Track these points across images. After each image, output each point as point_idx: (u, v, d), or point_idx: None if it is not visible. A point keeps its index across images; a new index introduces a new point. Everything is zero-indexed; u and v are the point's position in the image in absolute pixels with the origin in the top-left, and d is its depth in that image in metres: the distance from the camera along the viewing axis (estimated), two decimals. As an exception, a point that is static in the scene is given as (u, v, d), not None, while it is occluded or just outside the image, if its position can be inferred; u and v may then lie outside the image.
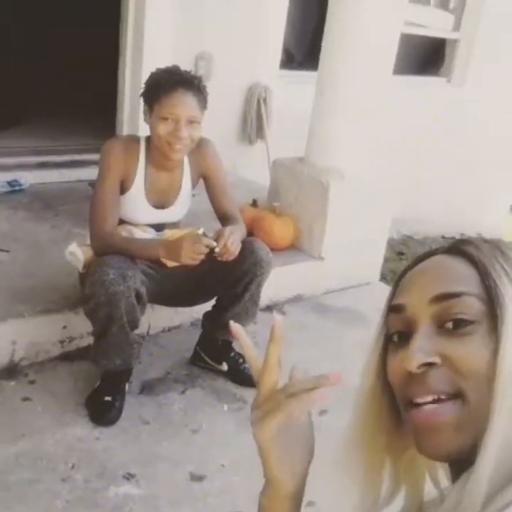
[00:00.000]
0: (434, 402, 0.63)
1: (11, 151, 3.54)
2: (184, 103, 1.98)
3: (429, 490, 0.78)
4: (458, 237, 5.24)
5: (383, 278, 3.46)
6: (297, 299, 3.03)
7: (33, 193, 3.33)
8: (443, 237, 5.19)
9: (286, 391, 0.68)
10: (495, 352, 0.61)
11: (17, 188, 3.31)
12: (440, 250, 0.71)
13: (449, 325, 0.63)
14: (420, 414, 0.64)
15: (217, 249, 1.96)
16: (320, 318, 2.92)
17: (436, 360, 0.62)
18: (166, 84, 1.98)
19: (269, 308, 2.86)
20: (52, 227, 2.95)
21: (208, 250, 1.94)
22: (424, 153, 4.83)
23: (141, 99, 2.07)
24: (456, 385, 0.62)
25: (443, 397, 0.62)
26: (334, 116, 3.08)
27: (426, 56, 5.31)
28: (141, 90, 2.07)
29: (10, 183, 3.30)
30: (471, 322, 0.62)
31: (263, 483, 0.73)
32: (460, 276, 0.65)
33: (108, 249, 2.00)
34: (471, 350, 0.62)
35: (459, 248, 0.69)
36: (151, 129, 2.04)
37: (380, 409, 0.72)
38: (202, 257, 1.94)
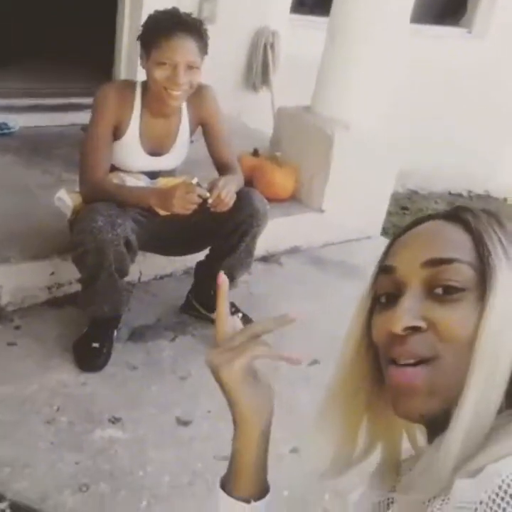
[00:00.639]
0: (412, 364, 0.63)
1: (1, 92, 3.42)
2: (183, 48, 1.91)
3: (407, 446, 0.79)
4: (465, 193, 5.17)
5: (385, 232, 3.40)
6: (294, 251, 3.00)
7: (23, 137, 3.26)
8: (450, 194, 5.10)
9: (245, 333, 0.73)
10: (479, 320, 0.61)
11: (6, 131, 3.23)
12: (438, 215, 0.71)
13: (439, 290, 0.64)
14: (397, 374, 0.65)
15: (210, 200, 1.92)
16: (317, 271, 2.89)
17: (422, 324, 0.63)
18: (165, 28, 1.91)
19: (264, 259, 2.83)
20: (43, 172, 2.91)
21: (200, 200, 1.91)
22: (437, 107, 4.69)
23: (139, 43, 2.01)
24: (435, 350, 0.62)
25: (422, 361, 0.63)
26: (345, 65, 2.97)
27: (446, 4, 5.10)
28: (139, 33, 2.00)
29: (-2, 126, 3.24)
30: (461, 289, 0.63)
31: (234, 430, 0.76)
32: (454, 242, 0.65)
33: (98, 195, 1.97)
34: (457, 318, 0.62)
35: (456, 215, 0.68)
36: (148, 74, 1.98)
37: (363, 367, 0.73)
38: (194, 206, 1.91)
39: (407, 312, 0.63)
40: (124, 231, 1.90)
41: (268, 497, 0.78)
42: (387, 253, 0.72)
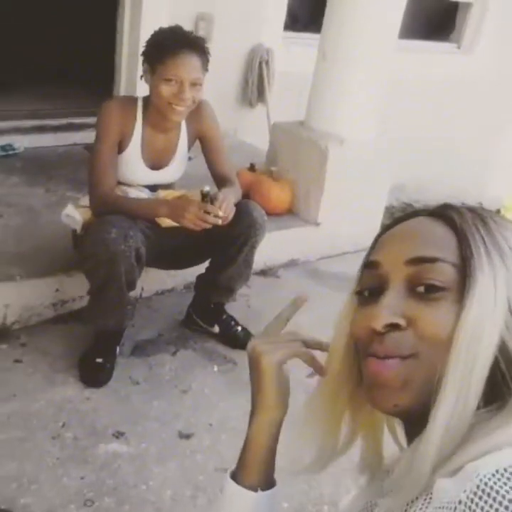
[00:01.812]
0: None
1: (6, 114, 3.49)
2: (188, 65, 1.97)
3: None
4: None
5: (381, 244, 3.43)
6: (292, 264, 3.04)
7: (27, 157, 3.31)
8: (444, 206, 5.14)
9: (293, 335, 0.81)
10: (457, 321, 0.61)
11: (11, 152, 3.29)
12: (423, 212, 0.71)
13: (421, 289, 0.63)
14: (372, 366, 0.65)
15: (217, 211, 1.95)
16: (314, 284, 2.93)
17: (402, 322, 0.63)
18: (171, 45, 1.96)
19: (263, 273, 2.87)
20: (47, 191, 2.95)
21: (209, 221, 1.93)
22: (429, 120, 4.75)
23: (142, 58, 2.05)
24: (413, 348, 0.63)
25: (398, 357, 0.64)
26: (336, 80, 3.03)
27: (436, 20, 5.18)
28: (143, 49, 2.04)
29: (3, 148, 3.28)
30: (443, 289, 0.62)
31: (251, 418, 0.80)
32: (438, 241, 0.65)
33: (108, 208, 2.01)
34: (437, 317, 0.62)
35: (442, 212, 0.68)
36: (153, 89, 2.03)
37: (351, 363, 0.73)
38: (205, 225, 1.93)
39: (388, 309, 0.63)
40: (136, 243, 1.94)
41: (275, 489, 0.80)
42: (372, 248, 0.72)
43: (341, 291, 2.82)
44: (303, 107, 3.21)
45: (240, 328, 2.39)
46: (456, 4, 5.03)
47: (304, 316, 2.81)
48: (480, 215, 0.66)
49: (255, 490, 0.78)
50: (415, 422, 0.64)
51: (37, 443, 1.81)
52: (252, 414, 0.80)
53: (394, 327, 0.63)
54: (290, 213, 3.10)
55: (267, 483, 0.80)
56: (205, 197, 2.00)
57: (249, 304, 2.62)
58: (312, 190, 3.07)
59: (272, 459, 0.81)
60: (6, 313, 2.20)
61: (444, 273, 0.63)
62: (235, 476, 0.80)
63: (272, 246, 2.57)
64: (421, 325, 0.62)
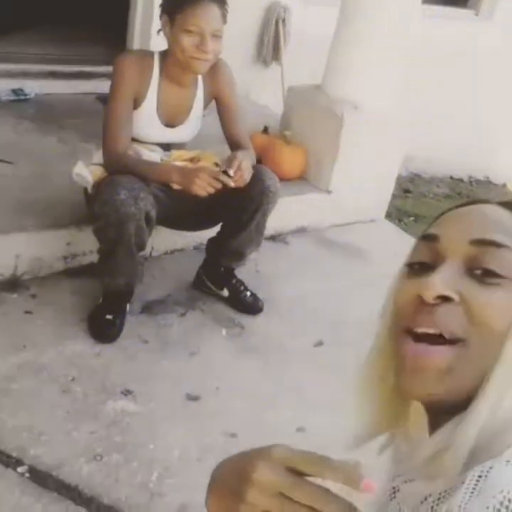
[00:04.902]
0: (432, 339, 0.60)
1: (18, 57, 3.39)
2: (209, 15, 1.93)
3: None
4: (466, 179, 5.19)
5: (388, 216, 3.44)
6: (301, 231, 3.02)
7: (39, 103, 3.23)
8: (451, 178, 5.12)
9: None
10: None
11: (22, 97, 3.21)
12: (493, 200, 0.69)
13: (478, 272, 0.61)
14: (411, 349, 0.62)
15: (231, 172, 1.93)
16: (322, 252, 2.92)
17: (456, 297, 0.60)
18: None
19: (272, 238, 2.85)
20: (59, 141, 2.88)
21: (220, 186, 1.93)
22: (443, 89, 4.68)
23: (160, 10, 2.00)
24: (463, 329, 0.60)
25: (446, 335, 0.60)
26: (357, 45, 2.95)
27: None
28: (161, 1, 1.99)
29: (15, 92, 3.20)
30: (501, 276, 0.60)
31: None
32: (509, 229, 0.63)
33: (120, 168, 1.97)
34: (491, 301, 0.60)
35: None
36: (173, 42, 1.98)
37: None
38: (212, 190, 1.93)
39: (443, 280, 0.60)
40: (146, 205, 1.91)
41: None
42: (433, 223, 0.69)
43: (350, 262, 2.84)
44: (318, 70, 3.14)
45: (248, 293, 2.39)
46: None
47: (313, 284, 2.82)
48: None
49: None
50: (441, 412, 0.62)
51: (47, 395, 1.81)
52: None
53: (445, 300, 0.60)
54: (302, 179, 3.07)
55: None
56: (218, 166, 1.98)
57: (257, 269, 2.61)
58: (325, 158, 3.03)
59: None
60: (17, 263, 2.18)
61: (507, 261, 0.61)
62: None
63: (282, 212, 2.53)
64: (475, 306, 0.60)
